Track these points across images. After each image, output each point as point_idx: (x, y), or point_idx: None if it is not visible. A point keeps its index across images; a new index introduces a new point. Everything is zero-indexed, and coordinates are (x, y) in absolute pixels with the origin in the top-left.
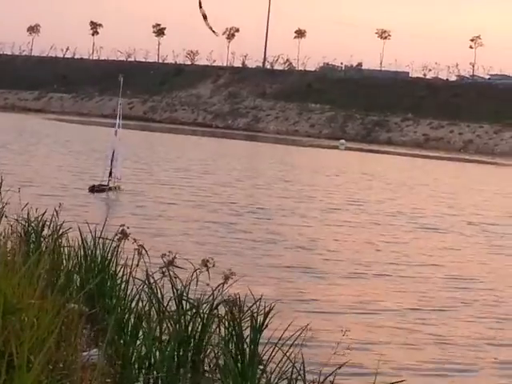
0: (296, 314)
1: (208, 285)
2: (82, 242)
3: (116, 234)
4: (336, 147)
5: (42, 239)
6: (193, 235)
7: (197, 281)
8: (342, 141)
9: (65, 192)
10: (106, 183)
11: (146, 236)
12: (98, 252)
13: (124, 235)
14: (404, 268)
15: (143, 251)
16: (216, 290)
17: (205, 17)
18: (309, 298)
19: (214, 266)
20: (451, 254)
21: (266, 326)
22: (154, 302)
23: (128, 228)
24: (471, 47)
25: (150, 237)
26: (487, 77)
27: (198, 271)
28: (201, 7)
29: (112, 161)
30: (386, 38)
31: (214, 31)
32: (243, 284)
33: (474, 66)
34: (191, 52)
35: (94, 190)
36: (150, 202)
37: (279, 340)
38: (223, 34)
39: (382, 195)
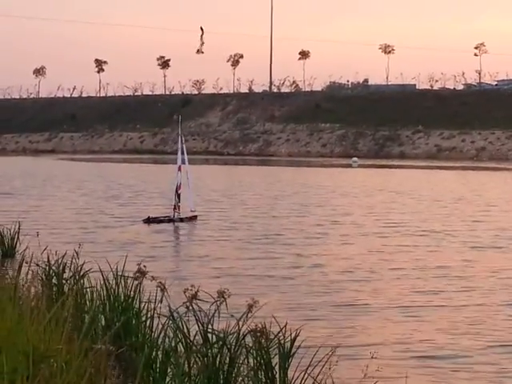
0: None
1: (232, 316)
2: (104, 282)
3: (135, 273)
4: (349, 165)
5: (64, 281)
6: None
7: (219, 313)
8: (355, 158)
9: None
10: (168, 215)
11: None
12: (120, 290)
13: (141, 274)
14: None
15: (165, 287)
16: (241, 320)
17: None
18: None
19: (229, 296)
20: None
21: (294, 352)
22: (180, 337)
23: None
24: (476, 55)
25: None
26: (494, 83)
27: (219, 302)
28: (202, 36)
29: (176, 194)
30: (389, 52)
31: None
32: (267, 312)
33: (480, 74)
34: (197, 81)
35: (149, 221)
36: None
37: (309, 366)
38: (227, 61)
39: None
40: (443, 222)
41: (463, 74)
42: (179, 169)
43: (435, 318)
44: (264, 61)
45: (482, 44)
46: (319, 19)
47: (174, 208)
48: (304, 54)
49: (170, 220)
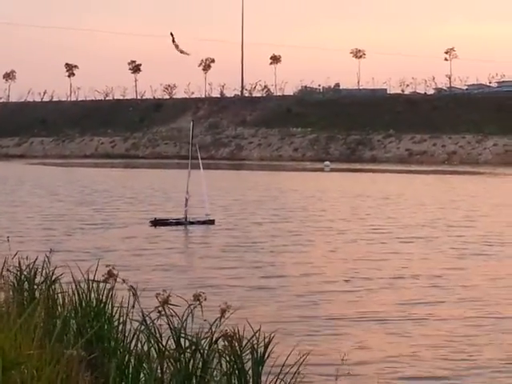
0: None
1: (205, 320)
2: (76, 287)
3: (104, 276)
4: (321, 169)
5: (35, 287)
6: None
7: (192, 317)
8: (327, 162)
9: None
10: (177, 218)
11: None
12: (92, 296)
13: (110, 276)
14: None
15: (138, 292)
16: (214, 325)
17: (175, 44)
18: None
19: (205, 299)
20: None
21: (267, 357)
22: (152, 342)
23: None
24: (446, 59)
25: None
26: (464, 87)
27: (193, 307)
28: (174, 41)
29: (186, 199)
30: (361, 57)
31: (183, 51)
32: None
33: (450, 78)
34: (169, 86)
35: (156, 223)
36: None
37: (281, 370)
38: (199, 65)
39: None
40: (428, 227)
41: (434, 78)
42: (189, 175)
43: (414, 329)
44: (236, 65)
45: (452, 49)
46: (291, 24)
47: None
48: (275, 59)
49: (179, 223)
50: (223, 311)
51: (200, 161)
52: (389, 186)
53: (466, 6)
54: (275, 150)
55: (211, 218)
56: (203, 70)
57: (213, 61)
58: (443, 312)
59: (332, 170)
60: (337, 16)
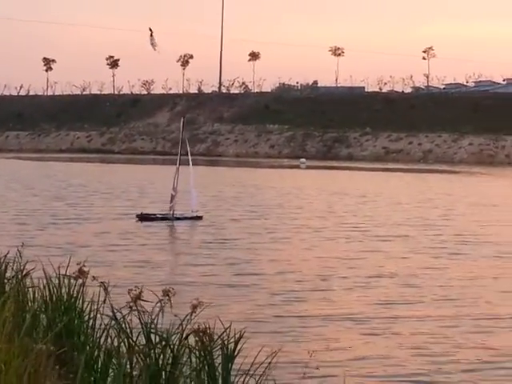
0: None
1: (176, 316)
2: (47, 282)
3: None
4: (297, 166)
5: (5, 281)
6: None
7: (163, 312)
8: (303, 159)
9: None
10: (164, 213)
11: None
12: (63, 290)
13: (81, 273)
14: None
15: (109, 287)
16: (185, 321)
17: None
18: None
19: (174, 295)
20: None
21: (238, 353)
22: (122, 337)
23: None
24: (424, 58)
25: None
26: (442, 86)
27: (163, 302)
28: (152, 37)
29: (174, 195)
30: (339, 54)
31: (155, 48)
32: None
33: (428, 77)
34: (146, 82)
35: (142, 218)
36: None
37: (251, 366)
38: (177, 61)
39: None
40: (405, 226)
41: (411, 77)
42: (176, 171)
43: (385, 327)
44: (214, 61)
45: (431, 48)
46: (270, 21)
47: (172, 207)
48: (254, 55)
49: (165, 218)
50: (194, 307)
51: (189, 157)
52: (366, 184)
53: (445, 6)
54: (252, 146)
55: (199, 215)
56: (181, 65)
57: (191, 57)
58: (419, 312)
59: (308, 168)
60: (316, 13)
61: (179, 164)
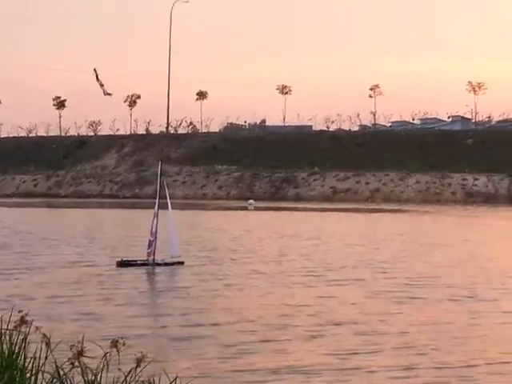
0: None
1: (120, 370)
2: None
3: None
4: (245, 208)
5: None
6: None
7: (107, 367)
8: (251, 201)
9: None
10: (141, 259)
11: None
12: (4, 347)
13: (23, 323)
14: None
15: (53, 342)
16: (129, 376)
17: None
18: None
19: (124, 345)
20: None
21: None
22: None
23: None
24: (371, 96)
25: None
26: (388, 124)
27: (109, 355)
28: (97, 78)
29: (153, 240)
30: (287, 93)
31: (106, 92)
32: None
33: (374, 115)
34: (93, 122)
35: (122, 264)
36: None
37: None
38: (124, 101)
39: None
40: (359, 268)
41: (358, 115)
42: (155, 215)
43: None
44: (162, 101)
45: (377, 86)
46: (218, 61)
47: (150, 253)
48: (202, 95)
49: (145, 264)
50: (139, 361)
51: (168, 200)
52: (317, 226)
53: (392, 44)
54: (200, 187)
55: (180, 260)
56: (129, 106)
57: (138, 97)
58: (373, 361)
59: (256, 209)
60: (263, 52)
61: (158, 208)
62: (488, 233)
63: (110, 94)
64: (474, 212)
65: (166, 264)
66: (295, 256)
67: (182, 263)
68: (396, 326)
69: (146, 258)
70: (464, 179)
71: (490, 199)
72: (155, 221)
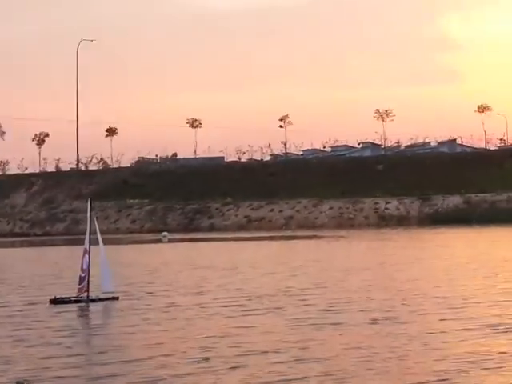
0: None
1: None
2: None
3: None
4: (159, 240)
5: None
6: None
7: None
8: (165, 233)
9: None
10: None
11: None
12: None
13: None
14: None
15: None
16: None
17: None
18: None
19: None
20: None
21: None
22: None
23: None
24: (281, 126)
25: None
26: (300, 153)
27: None
28: None
29: (84, 276)
30: (197, 126)
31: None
32: None
33: (286, 144)
34: (1, 162)
35: (56, 301)
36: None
37: None
38: (32, 140)
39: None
40: (279, 296)
41: (269, 145)
42: (86, 251)
43: None
44: (71, 139)
45: (287, 116)
46: (126, 97)
47: (82, 290)
48: (111, 131)
49: (78, 301)
50: None
51: (99, 235)
52: (233, 255)
53: (300, 75)
54: (112, 222)
55: (115, 295)
56: (37, 144)
57: (47, 135)
58: None
59: (171, 241)
60: (171, 87)
61: (89, 244)
62: (403, 255)
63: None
64: (387, 235)
65: (100, 300)
66: (212, 287)
67: (116, 298)
68: (317, 353)
69: (76, 295)
70: (376, 203)
71: (402, 222)
72: (86, 257)
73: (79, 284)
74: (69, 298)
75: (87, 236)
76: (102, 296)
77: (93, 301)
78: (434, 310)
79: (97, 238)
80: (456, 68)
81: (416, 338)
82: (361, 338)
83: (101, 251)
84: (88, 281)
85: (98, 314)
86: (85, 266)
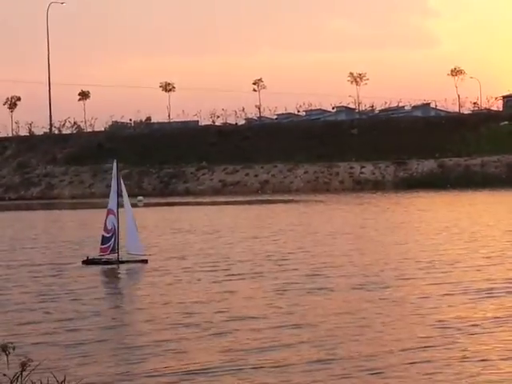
0: None
1: (5, 375)
2: None
3: None
4: (135, 205)
5: None
6: None
7: None
8: (140, 197)
9: None
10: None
11: None
12: None
13: None
14: None
15: None
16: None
17: None
18: None
19: (14, 349)
20: None
21: None
22: None
23: None
24: (255, 90)
25: None
26: (274, 117)
27: None
28: None
29: (110, 236)
30: (170, 90)
31: None
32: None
33: (260, 108)
34: None
35: (88, 262)
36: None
37: None
38: (4, 104)
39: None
40: (263, 261)
41: (243, 109)
42: (112, 213)
43: None
44: (43, 103)
45: (260, 80)
46: (99, 60)
47: (106, 250)
48: (84, 95)
49: (108, 262)
50: (23, 365)
51: (126, 197)
52: (213, 219)
53: (274, 39)
54: (87, 187)
55: (144, 258)
56: (9, 108)
57: (19, 99)
58: (294, 356)
59: (146, 205)
60: (146, 50)
61: (117, 204)
62: (384, 219)
63: None
64: (366, 199)
65: (128, 261)
66: (196, 251)
67: (145, 261)
68: (307, 318)
69: (99, 255)
70: (351, 168)
71: (377, 186)
72: (111, 217)
73: (102, 244)
74: (100, 258)
75: (113, 196)
76: (131, 258)
77: (122, 262)
78: (419, 275)
79: (122, 201)
80: (431, 32)
81: (400, 304)
82: (345, 303)
83: (128, 213)
84: (118, 242)
85: (72, 279)
86: (110, 227)
